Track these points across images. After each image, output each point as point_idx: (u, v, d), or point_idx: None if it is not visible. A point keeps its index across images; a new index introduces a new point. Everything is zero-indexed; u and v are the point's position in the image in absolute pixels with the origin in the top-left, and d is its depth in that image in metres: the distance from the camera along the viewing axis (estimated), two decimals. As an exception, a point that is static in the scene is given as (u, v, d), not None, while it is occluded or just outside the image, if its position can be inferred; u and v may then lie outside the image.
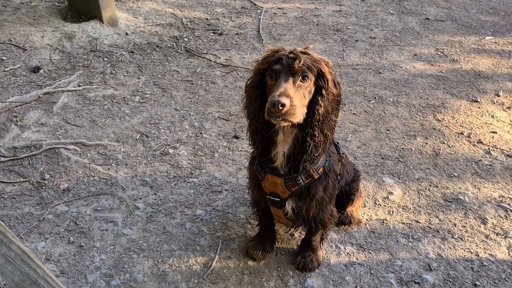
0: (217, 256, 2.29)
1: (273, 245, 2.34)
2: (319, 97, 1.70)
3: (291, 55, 1.66)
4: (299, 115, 1.64)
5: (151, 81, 3.92)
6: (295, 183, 1.89)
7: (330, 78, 1.72)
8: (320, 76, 1.70)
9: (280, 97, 1.56)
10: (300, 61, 1.63)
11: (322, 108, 1.71)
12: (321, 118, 1.72)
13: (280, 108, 1.55)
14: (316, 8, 5.80)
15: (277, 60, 1.66)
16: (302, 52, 1.68)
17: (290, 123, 1.65)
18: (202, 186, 2.76)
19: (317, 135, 1.74)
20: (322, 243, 2.31)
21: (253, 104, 1.76)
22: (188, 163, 2.94)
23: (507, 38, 5.13)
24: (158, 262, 2.25)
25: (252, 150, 2.03)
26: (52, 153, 2.95)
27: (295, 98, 1.61)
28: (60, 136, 3.12)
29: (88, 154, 2.97)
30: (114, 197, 2.64)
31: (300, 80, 1.65)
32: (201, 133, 3.25)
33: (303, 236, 2.32)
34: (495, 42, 5.02)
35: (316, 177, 1.89)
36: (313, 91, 1.71)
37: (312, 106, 1.71)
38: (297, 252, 2.32)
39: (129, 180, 2.78)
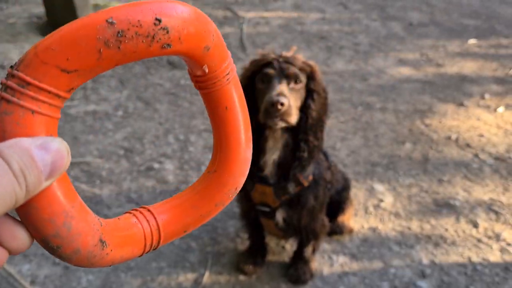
0: (207, 272, 2.24)
1: (264, 258, 2.30)
2: (311, 101, 1.70)
3: (282, 58, 1.65)
4: (294, 116, 1.64)
5: (133, 95, 3.88)
6: (285, 192, 1.86)
7: (320, 81, 1.72)
8: (310, 79, 1.70)
9: (278, 96, 1.55)
10: (293, 64, 1.64)
11: (315, 112, 1.71)
12: (314, 122, 1.72)
13: (279, 107, 1.54)
14: (299, 16, 5.81)
15: (268, 63, 1.65)
16: (291, 56, 1.68)
17: (286, 124, 1.63)
18: (189, 200, 2.71)
19: (311, 139, 1.73)
20: (314, 254, 2.27)
21: None
22: (174, 178, 2.89)
23: (489, 41, 5.19)
24: (147, 280, 2.20)
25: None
26: (34, 172, 2.88)
27: (290, 98, 1.60)
28: (42, 154, 3.05)
29: (71, 172, 2.91)
30: (99, 215, 2.57)
31: (293, 83, 1.65)
32: (186, 146, 3.21)
33: (294, 248, 2.29)
34: (478, 46, 5.07)
35: (306, 185, 1.87)
36: (304, 95, 1.70)
37: (304, 110, 1.71)
38: (289, 264, 2.28)
39: (114, 197, 2.72)
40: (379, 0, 6.50)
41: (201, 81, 0.51)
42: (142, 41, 0.40)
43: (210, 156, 3.07)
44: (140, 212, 0.50)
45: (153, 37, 0.41)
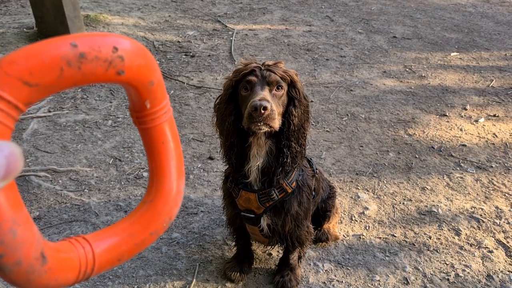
0: (194, 279, 2.25)
1: (251, 266, 2.32)
2: (293, 108, 1.75)
3: (264, 66, 1.70)
4: (277, 121, 1.67)
5: (123, 104, 3.89)
6: (269, 198, 1.89)
7: (301, 89, 1.77)
8: (291, 86, 1.75)
9: (261, 101, 1.58)
10: (275, 71, 1.68)
11: (297, 119, 1.75)
12: (296, 129, 1.76)
13: (262, 111, 1.57)
14: (286, 29, 5.89)
15: (251, 71, 1.69)
16: (273, 64, 1.73)
17: (269, 129, 1.66)
18: (177, 208, 2.72)
19: (294, 145, 1.77)
20: (300, 261, 2.30)
21: (227, 119, 1.77)
22: (163, 186, 2.90)
23: (471, 54, 5.31)
24: (134, 288, 2.20)
25: (226, 168, 2.03)
26: (22, 181, 2.88)
27: (273, 103, 1.64)
28: (30, 163, 3.05)
29: (60, 181, 2.91)
30: (87, 224, 2.59)
31: (275, 89, 1.69)
32: (175, 155, 3.22)
33: (281, 255, 2.31)
34: (460, 58, 5.19)
35: (289, 191, 1.90)
36: (286, 101, 1.74)
37: (286, 117, 1.75)
38: (275, 271, 2.30)
39: (103, 205, 2.73)
40: (364, 14, 6.62)
41: (141, 117, 0.57)
42: (101, 65, 0.46)
43: (198, 164, 3.11)
44: (76, 240, 0.51)
45: (110, 63, 0.47)
